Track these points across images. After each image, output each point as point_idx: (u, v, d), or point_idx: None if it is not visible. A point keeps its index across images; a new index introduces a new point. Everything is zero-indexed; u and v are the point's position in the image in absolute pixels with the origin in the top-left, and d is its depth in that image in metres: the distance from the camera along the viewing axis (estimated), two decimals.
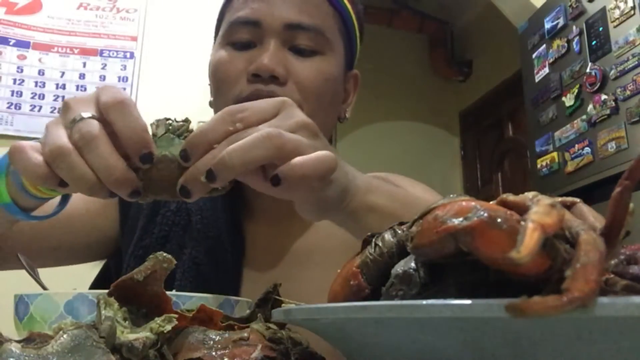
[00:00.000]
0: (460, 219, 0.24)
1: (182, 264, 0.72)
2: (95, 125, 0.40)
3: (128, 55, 2.21)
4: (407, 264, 0.28)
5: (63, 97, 2.14)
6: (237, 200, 0.78)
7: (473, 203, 0.25)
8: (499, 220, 0.23)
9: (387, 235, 0.32)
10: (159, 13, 2.27)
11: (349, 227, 0.55)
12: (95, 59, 2.19)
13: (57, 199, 0.52)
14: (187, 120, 0.43)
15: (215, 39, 0.79)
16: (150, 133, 0.42)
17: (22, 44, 2.14)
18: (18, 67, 2.11)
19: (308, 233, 0.78)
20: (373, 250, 0.31)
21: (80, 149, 0.40)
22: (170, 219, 0.76)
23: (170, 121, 0.43)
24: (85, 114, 0.41)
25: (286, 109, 0.45)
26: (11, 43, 2.13)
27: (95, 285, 0.83)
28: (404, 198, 0.58)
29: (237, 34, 0.71)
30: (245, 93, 0.67)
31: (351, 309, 0.25)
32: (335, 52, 0.73)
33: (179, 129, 0.42)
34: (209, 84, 0.83)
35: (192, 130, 0.42)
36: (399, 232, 0.31)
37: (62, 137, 0.40)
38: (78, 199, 0.61)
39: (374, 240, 0.32)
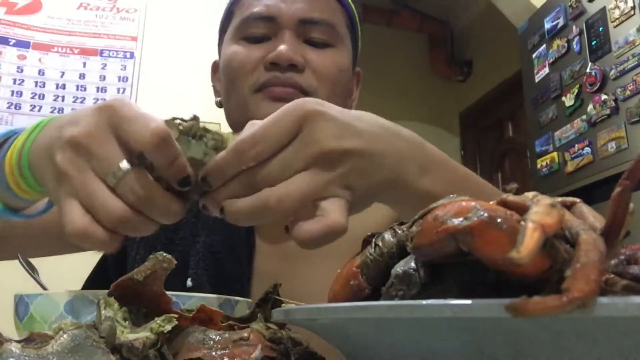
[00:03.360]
0: (460, 219, 0.24)
1: (195, 252, 0.72)
2: (145, 182, 0.38)
3: (128, 55, 2.21)
4: (407, 264, 0.28)
5: (63, 97, 2.14)
6: None
7: (473, 203, 0.25)
8: (499, 220, 0.23)
9: (387, 235, 0.32)
10: (159, 13, 2.27)
11: (398, 210, 0.53)
12: (95, 59, 2.19)
13: None
14: (195, 118, 0.42)
15: (221, 38, 0.80)
16: None
17: (22, 44, 2.14)
18: (18, 67, 2.11)
19: None
20: (373, 250, 0.31)
21: (139, 209, 0.39)
22: None
23: (178, 121, 0.41)
24: (124, 165, 0.38)
25: (307, 128, 0.40)
26: (11, 43, 2.13)
27: (92, 277, 0.83)
28: (466, 181, 0.51)
29: (251, 28, 0.72)
30: (262, 79, 0.69)
31: (351, 309, 0.25)
32: (345, 46, 0.76)
33: (190, 130, 0.41)
34: (213, 85, 0.83)
35: (202, 128, 0.41)
36: (399, 232, 0.31)
37: (114, 203, 0.38)
38: None
39: (374, 240, 0.32)
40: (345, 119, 0.42)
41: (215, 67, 0.84)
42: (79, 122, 0.39)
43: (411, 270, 0.28)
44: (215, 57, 0.82)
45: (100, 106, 0.40)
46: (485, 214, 0.24)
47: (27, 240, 0.71)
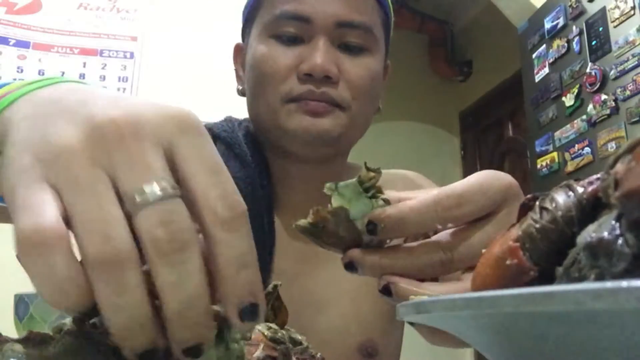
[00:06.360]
0: None
1: None
2: (187, 221, 0.24)
3: (128, 55, 2.21)
4: (604, 228, 0.19)
5: None
6: (270, 191, 0.77)
7: None
8: None
9: (560, 195, 0.23)
10: (159, 13, 2.27)
11: None
12: (95, 59, 2.19)
13: None
14: (378, 172, 0.35)
15: (247, 25, 0.76)
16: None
17: (22, 44, 2.14)
18: (18, 67, 2.11)
19: None
20: (539, 216, 0.23)
21: (155, 260, 0.24)
22: None
23: (363, 172, 0.34)
24: (161, 186, 0.24)
25: (507, 207, 0.36)
26: (11, 43, 2.13)
27: None
28: None
29: (283, 27, 0.69)
30: (296, 92, 0.67)
31: (524, 297, 0.17)
32: (379, 49, 0.73)
33: (368, 181, 0.34)
34: (235, 69, 0.80)
35: (379, 187, 0.35)
36: (578, 188, 0.22)
37: (121, 233, 0.23)
38: None
39: (538, 203, 0.23)
40: None
41: (237, 50, 0.80)
42: (127, 107, 0.26)
43: (613, 236, 0.18)
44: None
45: (170, 109, 0.27)
46: None
47: None
